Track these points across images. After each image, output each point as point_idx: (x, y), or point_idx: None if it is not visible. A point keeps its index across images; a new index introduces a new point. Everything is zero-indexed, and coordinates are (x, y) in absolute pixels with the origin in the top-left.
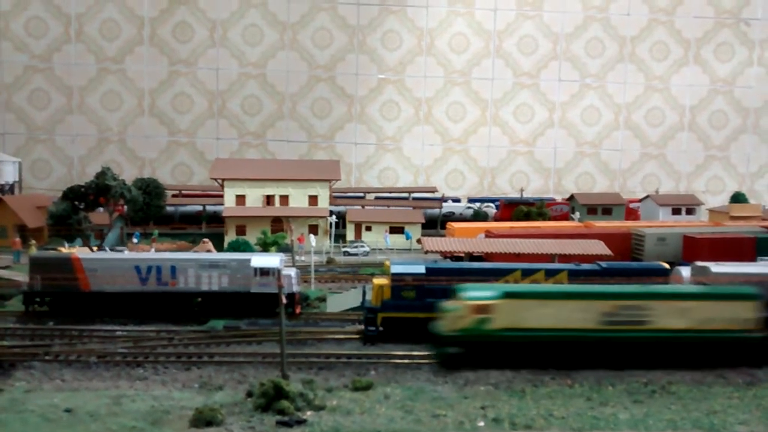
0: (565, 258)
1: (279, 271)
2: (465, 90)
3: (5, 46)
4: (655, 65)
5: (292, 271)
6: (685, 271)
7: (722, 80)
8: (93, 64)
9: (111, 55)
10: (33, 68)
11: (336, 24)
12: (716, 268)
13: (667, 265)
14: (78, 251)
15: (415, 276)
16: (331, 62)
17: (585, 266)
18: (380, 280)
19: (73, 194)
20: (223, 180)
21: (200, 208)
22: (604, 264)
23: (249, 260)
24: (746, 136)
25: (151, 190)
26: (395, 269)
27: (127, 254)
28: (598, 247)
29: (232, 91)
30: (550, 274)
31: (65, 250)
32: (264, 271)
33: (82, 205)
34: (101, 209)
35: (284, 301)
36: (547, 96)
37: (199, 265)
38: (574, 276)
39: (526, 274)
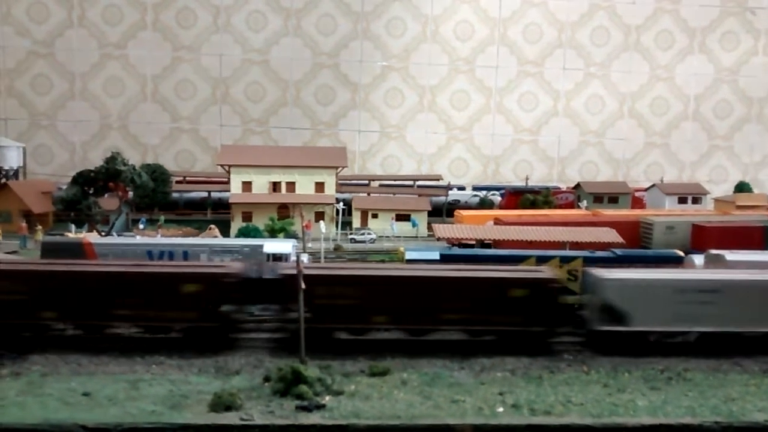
0: (576, 246)
1: (298, 256)
2: (469, 78)
3: (7, 31)
4: (660, 54)
5: (304, 257)
6: (698, 259)
7: (727, 69)
8: (95, 50)
9: (113, 40)
10: (35, 53)
11: (340, 10)
12: (731, 256)
13: (681, 253)
14: (86, 236)
15: (429, 263)
16: (335, 49)
17: (600, 253)
18: None
19: (83, 179)
20: (230, 166)
21: (205, 194)
22: (618, 251)
23: (262, 246)
24: (750, 125)
25: (157, 176)
26: (410, 256)
27: (138, 239)
28: (611, 235)
29: (235, 78)
30: (565, 260)
31: (72, 235)
32: (277, 257)
33: (91, 191)
34: (107, 194)
35: (303, 285)
36: (552, 84)
37: (211, 251)
38: (590, 263)
39: (541, 260)
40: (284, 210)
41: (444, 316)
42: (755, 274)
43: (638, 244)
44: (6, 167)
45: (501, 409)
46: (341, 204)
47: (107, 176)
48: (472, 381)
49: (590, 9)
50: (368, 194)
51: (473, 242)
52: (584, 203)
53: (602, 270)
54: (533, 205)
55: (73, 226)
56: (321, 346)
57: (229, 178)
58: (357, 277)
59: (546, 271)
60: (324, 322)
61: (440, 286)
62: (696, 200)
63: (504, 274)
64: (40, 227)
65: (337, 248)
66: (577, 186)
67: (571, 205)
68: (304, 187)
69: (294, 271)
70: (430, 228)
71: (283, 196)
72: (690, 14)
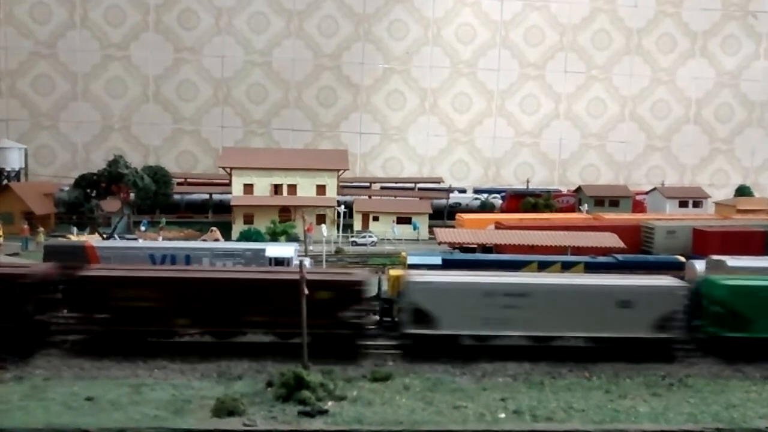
0: (577, 250)
1: (301, 261)
2: (471, 81)
3: (9, 31)
4: (662, 57)
5: (307, 261)
6: (699, 265)
7: (728, 73)
8: (97, 51)
9: (116, 41)
10: (37, 54)
11: (342, 12)
12: (732, 261)
13: (683, 259)
14: (88, 239)
15: (431, 267)
16: (337, 51)
17: (601, 259)
18: (396, 271)
19: (85, 182)
20: (231, 169)
21: (206, 196)
22: (620, 257)
23: (263, 250)
24: (751, 129)
25: (158, 178)
26: (411, 260)
27: (141, 243)
28: (612, 240)
29: (237, 79)
30: (567, 266)
31: (74, 237)
32: (278, 261)
33: (93, 193)
34: (108, 197)
35: (306, 291)
36: (553, 87)
37: (213, 255)
38: (591, 268)
39: (543, 265)
40: (286, 213)
41: (248, 318)
42: (561, 278)
43: (639, 248)
44: (8, 168)
45: (503, 415)
46: (342, 207)
47: (109, 179)
48: (474, 386)
49: (592, 12)
50: (369, 197)
51: (474, 246)
52: (585, 206)
53: (411, 273)
54: (534, 208)
55: (74, 229)
56: (130, 349)
57: (230, 180)
58: (154, 278)
59: (354, 274)
60: (126, 324)
61: (242, 288)
62: (697, 204)
63: (307, 276)
64: (41, 229)
65: (338, 251)
66: (578, 189)
67: (572, 208)
68: (306, 189)
69: (94, 273)
70: (431, 231)
71: (284, 198)
72: (691, 18)
